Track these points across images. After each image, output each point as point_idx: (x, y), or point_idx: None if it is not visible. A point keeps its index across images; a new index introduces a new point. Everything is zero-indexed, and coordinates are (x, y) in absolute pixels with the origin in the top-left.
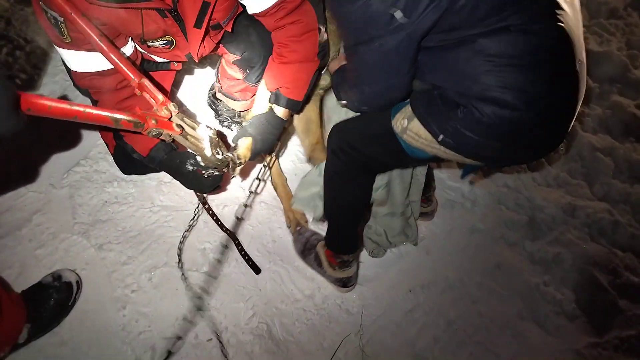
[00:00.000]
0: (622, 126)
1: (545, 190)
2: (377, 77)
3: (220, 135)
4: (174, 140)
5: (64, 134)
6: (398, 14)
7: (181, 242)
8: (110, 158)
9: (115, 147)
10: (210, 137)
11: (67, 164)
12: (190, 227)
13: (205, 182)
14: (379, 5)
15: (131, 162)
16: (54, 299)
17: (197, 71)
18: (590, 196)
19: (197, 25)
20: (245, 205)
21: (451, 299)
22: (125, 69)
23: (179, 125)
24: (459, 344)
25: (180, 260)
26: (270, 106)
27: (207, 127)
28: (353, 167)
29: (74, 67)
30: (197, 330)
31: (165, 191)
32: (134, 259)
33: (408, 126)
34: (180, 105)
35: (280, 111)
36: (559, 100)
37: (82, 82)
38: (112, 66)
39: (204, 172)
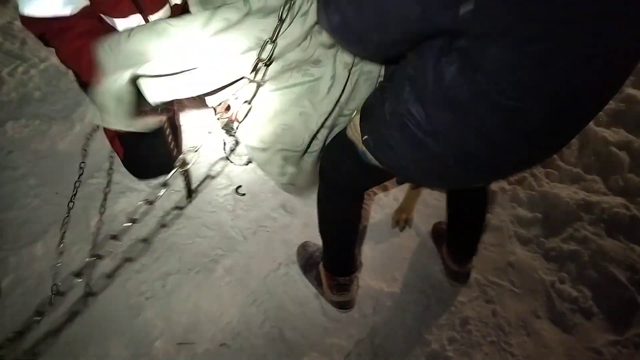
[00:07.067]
0: (636, 119)
1: (559, 186)
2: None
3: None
4: None
5: (78, 147)
6: None
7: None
8: (123, 169)
9: (124, 153)
10: None
11: (81, 176)
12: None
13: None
14: None
15: (142, 165)
16: None
17: None
18: (606, 191)
19: None
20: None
21: (464, 299)
22: None
23: None
24: (473, 344)
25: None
26: None
27: None
28: (335, 186)
29: (26, 11)
30: (210, 335)
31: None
32: (148, 267)
33: (354, 118)
34: None
35: None
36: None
37: (34, 26)
38: (68, 13)
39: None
